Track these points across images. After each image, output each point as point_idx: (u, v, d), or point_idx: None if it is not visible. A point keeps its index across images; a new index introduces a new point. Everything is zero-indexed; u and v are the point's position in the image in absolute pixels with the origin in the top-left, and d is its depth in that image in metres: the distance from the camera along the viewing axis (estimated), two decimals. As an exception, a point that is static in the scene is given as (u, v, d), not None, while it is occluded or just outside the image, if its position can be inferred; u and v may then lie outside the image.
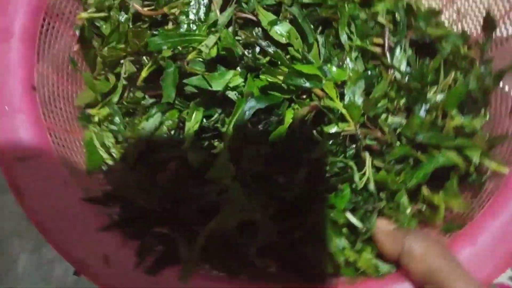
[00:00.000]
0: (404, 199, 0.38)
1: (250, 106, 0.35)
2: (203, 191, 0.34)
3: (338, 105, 0.35)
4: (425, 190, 0.41)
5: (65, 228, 0.34)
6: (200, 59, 0.37)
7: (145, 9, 0.43)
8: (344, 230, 0.37)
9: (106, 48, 0.43)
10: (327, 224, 0.36)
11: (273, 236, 0.36)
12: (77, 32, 0.45)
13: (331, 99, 0.35)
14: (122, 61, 0.43)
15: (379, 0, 0.41)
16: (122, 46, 0.42)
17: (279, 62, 0.37)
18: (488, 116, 0.42)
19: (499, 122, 0.44)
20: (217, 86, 0.36)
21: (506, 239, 0.35)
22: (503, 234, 0.35)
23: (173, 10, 0.41)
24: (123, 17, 0.45)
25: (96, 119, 0.42)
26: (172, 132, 0.38)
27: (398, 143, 0.39)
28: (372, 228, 0.35)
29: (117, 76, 0.44)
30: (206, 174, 0.34)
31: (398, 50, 0.40)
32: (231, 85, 0.36)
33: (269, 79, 0.36)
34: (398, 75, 0.40)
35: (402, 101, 0.39)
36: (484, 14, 0.47)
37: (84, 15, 0.46)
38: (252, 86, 0.36)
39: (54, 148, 0.39)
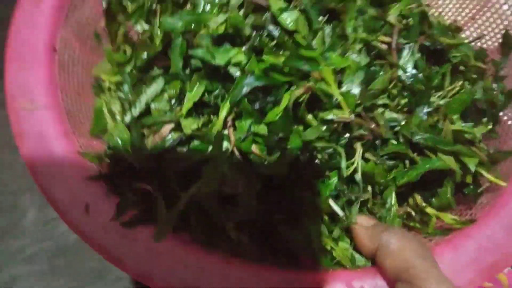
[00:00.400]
0: (392, 197, 0.37)
1: (249, 82, 0.36)
2: (190, 155, 0.35)
3: (335, 90, 0.35)
4: (418, 199, 0.40)
5: (54, 173, 0.36)
6: (208, 34, 0.38)
7: (168, -9, 0.46)
8: (325, 217, 0.36)
9: (128, 23, 0.46)
10: (310, 209, 0.36)
11: (253, 213, 0.36)
12: (104, 5, 0.48)
13: (328, 84, 0.35)
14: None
15: (393, 2, 0.42)
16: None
17: (283, 47, 0.38)
18: (490, 126, 0.41)
19: (506, 140, 0.43)
20: (220, 60, 0.37)
21: (491, 250, 0.34)
22: (488, 244, 0.34)
23: (193, -9, 0.43)
24: (148, -2, 0.48)
25: (107, 84, 0.44)
26: (173, 101, 0.39)
27: (394, 141, 0.38)
28: (352, 218, 0.35)
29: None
30: (196, 138, 0.35)
31: (406, 52, 0.41)
32: (233, 61, 0.37)
33: (271, 60, 0.37)
34: (403, 75, 0.40)
35: (404, 101, 0.39)
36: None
37: (114, -8, 0.49)
38: (254, 65, 0.37)
39: (62, 105, 0.41)
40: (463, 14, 0.54)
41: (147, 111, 0.39)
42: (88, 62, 0.48)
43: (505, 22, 0.49)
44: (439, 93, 0.41)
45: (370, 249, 0.33)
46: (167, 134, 0.37)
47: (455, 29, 0.53)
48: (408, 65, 0.40)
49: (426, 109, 0.39)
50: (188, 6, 0.43)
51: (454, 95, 0.41)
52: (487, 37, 0.51)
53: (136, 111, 0.38)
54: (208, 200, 0.35)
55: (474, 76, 0.44)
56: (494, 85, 0.45)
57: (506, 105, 0.45)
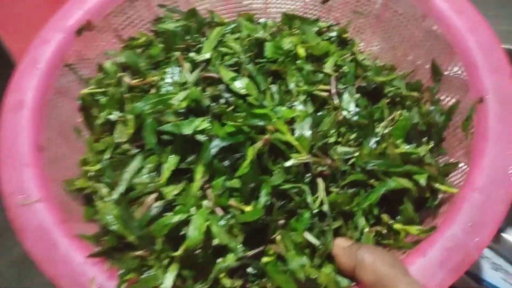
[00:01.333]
0: (361, 220, 0.42)
1: (215, 145, 0.41)
2: (173, 219, 0.39)
3: (290, 138, 0.41)
4: (385, 218, 0.44)
5: (58, 258, 0.39)
6: (173, 111, 0.44)
7: (134, 81, 0.52)
8: (306, 250, 0.40)
9: (102, 114, 0.51)
10: (290, 247, 0.40)
11: (242, 259, 0.40)
12: (79, 102, 0.54)
13: (282, 133, 0.41)
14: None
15: (328, 56, 0.49)
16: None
17: (239, 109, 0.44)
18: (432, 144, 0.46)
19: (453, 153, 0.48)
20: (187, 130, 0.42)
21: (455, 249, 0.38)
22: (452, 245, 0.38)
23: (154, 78, 0.50)
24: (118, 89, 0.54)
25: (91, 174, 0.48)
26: (153, 173, 0.44)
27: (352, 171, 0.44)
28: (329, 244, 0.39)
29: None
30: (175, 201, 0.39)
31: (346, 95, 0.47)
32: (199, 129, 0.42)
33: (231, 123, 0.42)
34: (348, 114, 0.46)
35: (353, 136, 0.45)
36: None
37: (85, 91, 0.55)
38: (218, 129, 0.42)
39: (56, 196, 0.45)
40: (396, 53, 0.62)
41: (130, 187, 0.44)
42: (72, 154, 0.53)
43: (430, 55, 0.56)
44: (382, 124, 0.46)
45: (350, 267, 0.37)
46: (152, 203, 0.41)
47: (391, 68, 0.60)
48: (350, 105, 0.47)
49: (374, 139, 0.45)
50: (153, 90, 0.50)
51: (395, 123, 0.47)
52: (421, 70, 0.58)
53: (121, 188, 0.43)
54: (198, 255, 0.39)
55: (409, 103, 0.50)
56: (432, 108, 0.51)
57: (446, 124, 0.51)
